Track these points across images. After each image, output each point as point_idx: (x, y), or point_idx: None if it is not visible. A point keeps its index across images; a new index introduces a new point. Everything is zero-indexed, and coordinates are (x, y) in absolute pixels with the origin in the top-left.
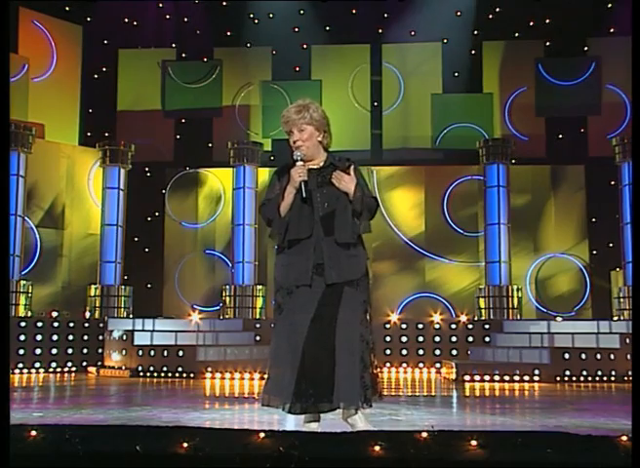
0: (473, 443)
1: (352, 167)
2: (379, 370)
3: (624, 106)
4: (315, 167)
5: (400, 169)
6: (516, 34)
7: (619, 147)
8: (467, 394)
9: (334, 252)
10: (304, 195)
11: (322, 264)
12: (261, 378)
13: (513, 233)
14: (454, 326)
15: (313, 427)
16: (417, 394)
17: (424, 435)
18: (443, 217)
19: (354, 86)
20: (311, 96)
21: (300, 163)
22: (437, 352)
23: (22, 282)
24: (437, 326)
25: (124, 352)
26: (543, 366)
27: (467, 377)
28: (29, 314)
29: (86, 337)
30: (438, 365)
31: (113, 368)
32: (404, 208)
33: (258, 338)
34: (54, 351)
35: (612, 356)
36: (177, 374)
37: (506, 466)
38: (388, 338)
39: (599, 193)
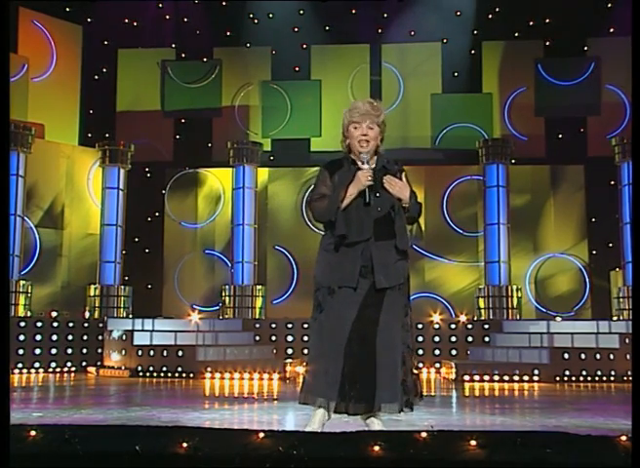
0: (473, 443)
1: (403, 173)
2: (418, 371)
3: (624, 106)
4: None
5: None
6: (516, 34)
7: (618, 147)
8: (467, 394)
9: (383, 256)
10: (368, 200)
11: (367, 267)
12: (260, 379)
13: (513, 233)
14: (453, 326)
15: (316, 426)
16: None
17: (424, 435)
18: (443, 217)
19: (354, 86)
20: (311, 96)
21: (366, 166)
22: (437, 352)
23: (22, 282)
24: (437, 326)
25: (123, 352)
26: (543, 366)
27: (467, 377)
28: (29, 314)
29: (85, 337)
30: (438, 365)
31: (113, 368)
32: None
33: (257, 338)
34: (53, 351)
35: (611, 356)
36: (176, 374)
37: (506, 466)
38: None
39: (599, 193)
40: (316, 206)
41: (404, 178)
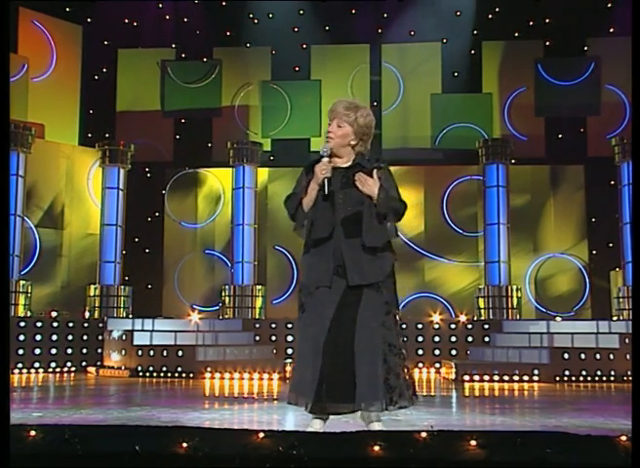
0: (473, 443)
1: (375, 170)
2: (409, 371)
3: (624, 106)
4: (343, 165)
5: (399, 169)
6: (516, 34)
7: (618, 147)
8: (467, 394)
9: (355, 254)
10: (326, 192)
11: (341, 266)
12: (260, 379)
13: (513, 233)
14: (453, 326)
15: (317, 427)
16: (416, 394)
17: (424, 435)
18: (442, 217)
19: (354, 86)
20: (311, 95)
21: (325, 159)
22: (437, 352)
23: (22, 282)
24: (437, 326)
25: (123, 352)
26: (543, 366)
27: (467, 377)
28: (29, 314)
29: (85, 337)
30: (438, 365)
31: (113, 368)
32: None
33: (257, 338)
34: (53, 351)
35: (611, 356)
36: (176, 374)
37: (506, 466)
38: None
39: (599, 193)
40: (286, 204)
41: (375, 175)
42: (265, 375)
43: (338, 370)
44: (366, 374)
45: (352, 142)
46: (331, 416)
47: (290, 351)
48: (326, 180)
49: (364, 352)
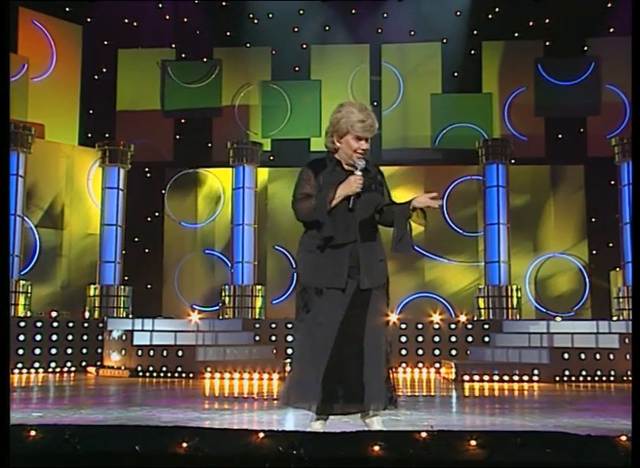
0: (473, 443)
1: (378, 174)
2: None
3: (624, 106)
4: (351, 169)
5: (399, 169)
6: (516, 34)
7: (618, 147)
8: (467, 394)
9: (369, 258)
10: (352, 206)
11: (354, 268)
12: (260, 379)
13: (513, 233)
14: (453, 326)
15: (317, 427)
16: (416, 394)
17: (424, 435)
18: (442, 217)
19: (354, 86)
20: (311, 96)
21: (359, 172)
22: (437, 352)
23: (22, 282)
24: (437, 326)
25: (123, 352)
26: (543, 366)
27: (467, 377)
28: (29, 314)
29: (85, 337)
30: (437, 365)
31: (112, 368)
32: None
33: (257, 338)
34: (53, 351)
35: (611, 356)
36: (176, 374)
37: (506, 466)
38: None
39: (599, 193)
40: (302, 206)
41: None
42: (265, 375)
43: (347, 371)
44: (374, 376)
45: None
46: (331, 416)
47: (290, 351)
48: (353, 195)
49: (373, 353)
